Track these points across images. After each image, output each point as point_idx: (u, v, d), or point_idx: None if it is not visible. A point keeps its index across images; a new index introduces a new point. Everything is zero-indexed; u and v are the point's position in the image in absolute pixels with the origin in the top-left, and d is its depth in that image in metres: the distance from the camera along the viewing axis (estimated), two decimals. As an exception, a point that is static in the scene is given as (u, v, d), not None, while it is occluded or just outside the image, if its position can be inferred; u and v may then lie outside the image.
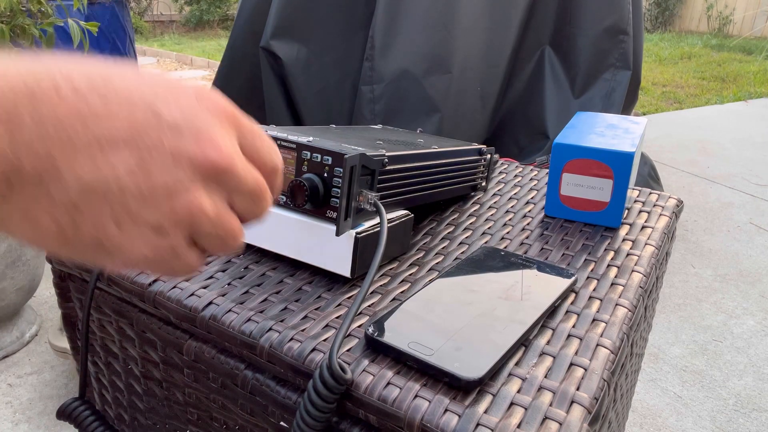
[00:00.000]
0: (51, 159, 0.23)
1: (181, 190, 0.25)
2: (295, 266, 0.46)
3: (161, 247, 0.26)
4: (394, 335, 0.36)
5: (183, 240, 0.26)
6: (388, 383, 0.34)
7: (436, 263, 0.48)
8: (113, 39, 1.76)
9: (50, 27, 1.21)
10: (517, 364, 0.36)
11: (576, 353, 0.37)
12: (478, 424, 0.31)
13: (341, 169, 0.39)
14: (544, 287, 0.43)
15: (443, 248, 0.51)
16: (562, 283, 0.43)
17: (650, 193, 0.63)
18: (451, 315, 0.39)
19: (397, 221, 0.47)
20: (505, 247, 0.51)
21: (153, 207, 0.25)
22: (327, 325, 0.39)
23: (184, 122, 0.25)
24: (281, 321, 0.39)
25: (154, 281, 0.44)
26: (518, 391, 0.34)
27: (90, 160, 0.23)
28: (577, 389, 0.34)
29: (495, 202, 0.61)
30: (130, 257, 0.25)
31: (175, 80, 0.26)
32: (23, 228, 0.24)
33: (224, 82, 1.80)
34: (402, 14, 1.55)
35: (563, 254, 0.50)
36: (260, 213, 0.29)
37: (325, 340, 0.37)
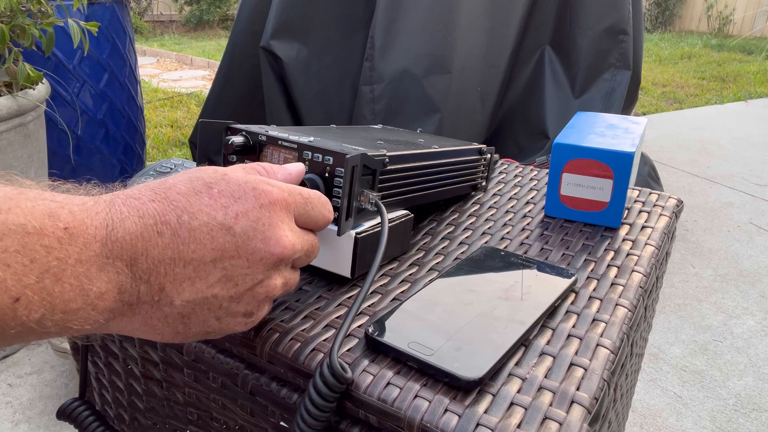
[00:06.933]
0: (162, 289, 0.29)
1: (259, 282, 0.32)
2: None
3: (251, 322, 0.34)
4: (394, 335, 0.36)
5: (267, 310, 0.35)
6: (388, 383, 0.34)
7: (436, 263, 0.48)
8: (113, 39, 1.76)
9: (50, 27, 1.21)
10: (517, 364, 0.36)
11: (576, 353, 0.37)
12: (478, 424, 0.31)
13: (342, 169, 0.39)
14: (544, 287, 0.43)
15: (443, 248, 0.51)
16: (562, 283, 0.43)
17: (650, 193, 0.63)
18: (451, 315, 0.39)
19: (397, 221, 0.47)
20: (505, 247, 0.51)
21: (241, 301, 0.32)
22: (327, 325, 0.39)
23: (251, 229, 0.31)
24: (281, 321, 0.39)
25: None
26: (518, 391, 0.34)
27: (190, 283, 0.30)
28: (577, 389, 0.34)
29: (495, 202, 0.61)
30: (229, 333, 0.34)
31: (236, 182, 0.32)
32: (144, 331, 0.31)
33: (224, 82, 1.80)
34: (402, 14, 1.55)
35: (563, 254, 0.50)
36: (310, 261, 0.37)
37: (325, 340, 0.37)
